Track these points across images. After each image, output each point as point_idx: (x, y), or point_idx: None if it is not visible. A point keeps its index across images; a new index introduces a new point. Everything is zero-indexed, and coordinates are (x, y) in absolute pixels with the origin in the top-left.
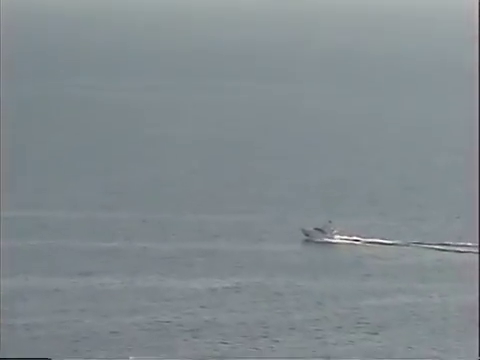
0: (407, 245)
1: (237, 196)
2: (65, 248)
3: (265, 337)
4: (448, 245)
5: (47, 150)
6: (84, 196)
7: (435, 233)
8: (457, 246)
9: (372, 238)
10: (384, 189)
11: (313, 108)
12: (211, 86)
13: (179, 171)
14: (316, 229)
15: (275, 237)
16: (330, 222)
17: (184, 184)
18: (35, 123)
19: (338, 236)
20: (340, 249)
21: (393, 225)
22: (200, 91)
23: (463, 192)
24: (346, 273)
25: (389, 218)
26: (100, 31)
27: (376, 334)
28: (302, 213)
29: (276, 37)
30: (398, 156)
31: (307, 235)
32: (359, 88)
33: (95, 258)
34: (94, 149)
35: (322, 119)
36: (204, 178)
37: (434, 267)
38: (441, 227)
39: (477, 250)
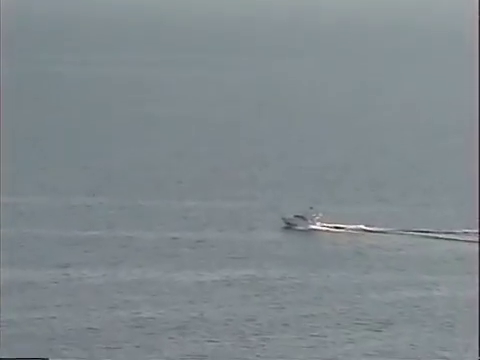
0: (401, 233)
1: (226, 181)
2: (40, 237)
3: (256, 334)
4: (451, 233)
5: (23, 130)
6: (62, 180)
7: (435, 219)
8: (460, 234)
9: (358, 225)
10: (384, 172)
11: (310, 86)
12: (207, 62)
13: (163, 153)
14: (297, 216)
15: (265, 225)
16: (311, 208)
17: (169, 168)
18: (9, 102)
19: (319, 223)
20: (326, 238)
21: (395, 211)
22: (195, 67)
23: (468, 175)
24: (342, 264)
25: (390, 204)
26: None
27: (378, 332)
28: (296, 200)
29: (275, 12)
30: (399, 137)
31: (288, 223)
32: (358, 64)
33: (73, 248)
34: (74, 129)
35: (319, 97)
36: (191, 161)
37: (439, 258)
38: (440, 213)
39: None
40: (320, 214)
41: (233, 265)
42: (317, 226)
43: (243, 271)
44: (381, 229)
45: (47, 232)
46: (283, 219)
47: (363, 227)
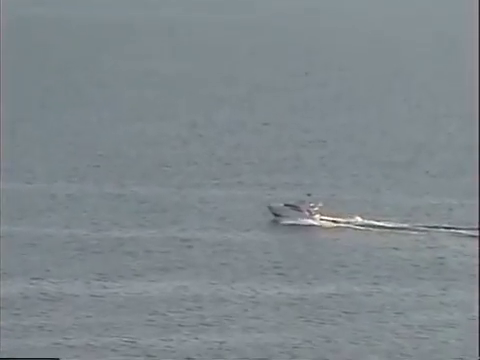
0: (415, 229)
1: (200, 162)
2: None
3: None
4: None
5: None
6: (39, 161)
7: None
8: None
9: (369, 220)
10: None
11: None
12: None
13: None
14: (288, 206)
15: (243, 218)
16: (309, 195)
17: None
18: None
19: (318, 216)
20: (328, 234)
21: (398, 202)
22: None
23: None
24: (349, 273)
25: (393, 192)
26: None
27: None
28: (282, 186)
29: None
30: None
31: (276, 214)
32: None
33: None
34: (58, 90)
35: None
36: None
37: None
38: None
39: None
40: (320, 204)
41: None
42: (315, 220)
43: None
44: (398, 225)
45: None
46: (270, 209)
47: (375, 223)
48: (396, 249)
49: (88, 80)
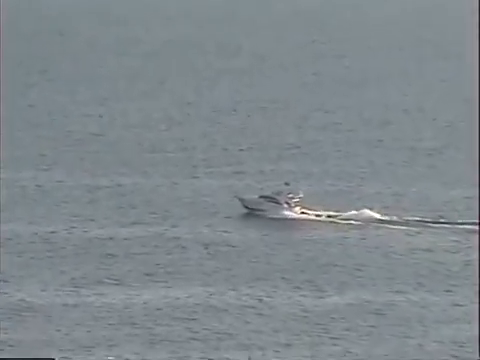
0: (440, 225)
1: (190, 147)
2: None
3: None
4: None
5: None
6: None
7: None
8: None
9: (386, 214)
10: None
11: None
12: None
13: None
14: (263, 197)
15: (219, 212)
16: (287, 185)
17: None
18: None
19: (298, 209)
20: (310, 232)
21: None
22: None
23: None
24: (364, 279)
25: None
26: None
27: None
28: (284, 175)
29: None
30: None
31: (249, 207)
32: None
33: None
34: (24, 62)
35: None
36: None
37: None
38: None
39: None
40: (300, 194)
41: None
42: (294, 212)
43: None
44: (394, 218)
45: None
46: (242, 201)
47: (370, 213)
48: (421, 250)
49: (59, 50)
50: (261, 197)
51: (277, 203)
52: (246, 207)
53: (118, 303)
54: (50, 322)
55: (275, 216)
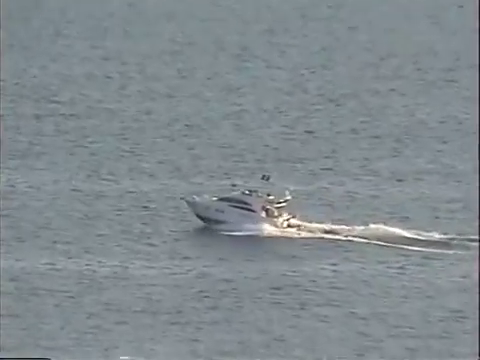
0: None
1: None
2: None
3: None
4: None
5: None
6: None
7: None
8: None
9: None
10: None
11: None
12: None
13: None
14: (226, 200)
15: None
16: (266, 179)
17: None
18: None
19: (287, 216)
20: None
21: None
22: None
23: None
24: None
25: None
26: None
27: None
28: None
29: None
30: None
31: (202, 216)
32: None
33: None
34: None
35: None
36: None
37: None
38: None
39: None
40: (287, 195)
41: None
42: (276, 224)
43: None
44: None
45: None
46: (191, 206)
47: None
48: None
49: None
50: (222, 199)
51: (248, 209)
52: (198, 216)
53: None
54: None
55: (244, 231)
